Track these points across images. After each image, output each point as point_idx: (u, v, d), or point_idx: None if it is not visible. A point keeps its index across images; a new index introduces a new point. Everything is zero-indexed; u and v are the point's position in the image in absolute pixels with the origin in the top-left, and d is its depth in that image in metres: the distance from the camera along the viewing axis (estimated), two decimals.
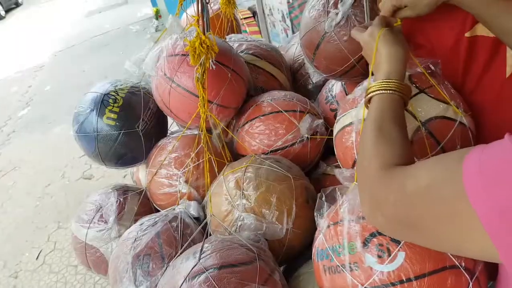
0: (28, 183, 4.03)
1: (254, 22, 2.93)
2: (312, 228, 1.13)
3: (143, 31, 7.65)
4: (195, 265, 0.87)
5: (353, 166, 0.96)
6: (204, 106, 1.15)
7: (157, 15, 7.20)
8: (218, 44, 1.18)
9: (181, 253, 1.00)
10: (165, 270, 1.01)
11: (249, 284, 0.84)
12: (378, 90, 0.74)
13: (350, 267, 0.72)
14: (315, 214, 0.88)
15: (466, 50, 0.89)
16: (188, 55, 1.22)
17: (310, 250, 1.11)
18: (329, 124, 1.37)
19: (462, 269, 0.66)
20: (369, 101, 0.76)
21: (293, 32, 2.53)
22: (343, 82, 1.38)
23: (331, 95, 1.41)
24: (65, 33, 8.74)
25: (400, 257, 0.67)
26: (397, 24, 0.85)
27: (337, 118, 1.06)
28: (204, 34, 1.08)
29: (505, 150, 0.44)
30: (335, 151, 1.08)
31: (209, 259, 0.89)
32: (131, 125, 1.35)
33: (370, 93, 0.75)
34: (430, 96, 0.86)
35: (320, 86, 1.58)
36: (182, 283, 0.84)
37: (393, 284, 0.67)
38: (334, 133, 1.06)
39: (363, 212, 0.69)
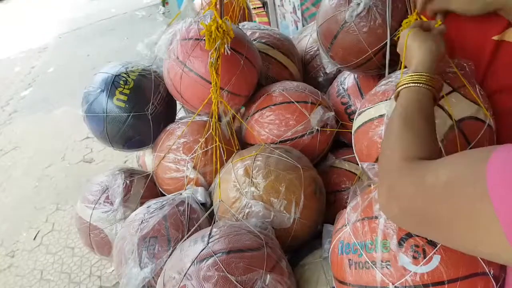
0: (27, 163, 4.02)
1: (264, 12, 2.91)
2: (318, 220, 1.14)
3: (149, 17, 7.60)
4: (204, 249, 0.87)
5: (376, 161, 0.96)
6: (216, 92, 1.14)
7: (164, 2, 7.14)
8: (233, 30, 1.17)
9: (188, 237, 1.00)
10: (171, 253, 1.01)
11: (256, 269, 0.84)
12: (407, 83, 0.74)
13: (381, 264, 0.72)
14: (348, 207, 0.86)
15: (492, 52, 0.89)
16: (201, 39, 1.21)
17: (314, 241, 1.12)
18: (339, 117, 1.36)
19: (491, 276, 0.66)
20: (397, 95, 0.77)
21: (303, 25, 2.51)
22: (356, 76, 1.38)
23: (343, 88, 1.40)
24: (71, 16, 8.66)
25: (436, 260, 0.68)
26: (437, 25, 0.86)
27: (360, 110, 1.05)
28: (221, 18, 1.07)
29: None
30: (353, 145, 1.07)
31: (218, 243, 0.89)
32: (140, 108, 1.34)
33: (399, 86, 0.76)
34: (463, 96, 0.86)
35: (331, 79, 1.57)
36: (190, 266, 0.84)
37: (425, 286, 0.67)
38: (356, 126, 1.05)
39: (379, 201, 0.69)
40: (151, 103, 1.35)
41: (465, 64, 0.90)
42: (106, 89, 1.32)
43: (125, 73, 1.35)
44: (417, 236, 0.70)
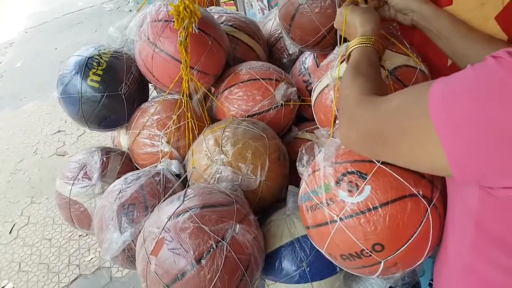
0: None
1: (232, 1, 2.99)
2: (282, 183, 1.25)
3: (117, 9, 7.51)
4: (180, 206, 0.97)
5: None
6: (186, 69, 1.23)
7: None
8: (201, 12, 1.26)
9: (164, 200, 1.09)
10: (148, 219, 1.10)
11: (227, 221, 0.95)
12: (357, 44, 0.88)
13: (327, 202, 0.84)
14: (297, 163, 0.99)
15: None
16: (170, 21, 1.29)
17: (280, 202, 1.24)
18: (301, 93, 1.48)
19: (420, 196, 0.78)
20: (348, 56, 0.89)
21: None
22: (315, 55, 1.49)
23: (304, 67, 1.51)
24: (37, 10, 8.42)
25: (367, 190, 0.79)
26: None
27: (314, 86, 1.17)
28: None
29: (465, 74, 0.53)
30: (315, 116, 1.19)
31: (192, 200, 0.98)
32: (114, 88, 1.41)
33: (350, 48, 0.89)
34: (393, 51, 1.00)
35: (293, 60, 1.69)
36: (168, 221, 0.94)
37: (362, 212, 0.79)
38: (313, 100, 1.17)
39: (339, 133, 0.80)
40: (124, 83, 1.41)
41: (390, 26, 1.04)
42: (80, 70, 1.38)
43: (97, 55, 1.41)
44: (349, 174, 0.82)
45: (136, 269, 1.02)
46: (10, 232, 3.13)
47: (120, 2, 7.76)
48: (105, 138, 3.85)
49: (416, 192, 0.78)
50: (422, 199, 0.78)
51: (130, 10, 7.05)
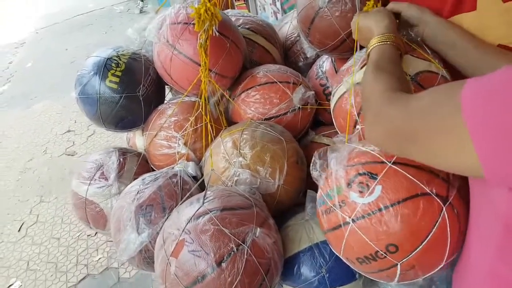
0: (9, 157, 4.00)
1: (244, 4, 3.00)
2: (300, 187, 1.25)
3: (127, 11, 7.57)
4: (200, 208, 0.96)
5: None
6: (205, 71, 1.23)
7: None
8: (220, 14, 1.26)
9: (183, 202, 1.09)
10: (166, 219, 1.10)
11: (248, 224, 0.94)
12: (375, 44, 0.87)
13: (339, 205, 0.84)
14: (311, 168, 0.99)
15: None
16: (190, 24, 1.30)
17: (298, 207, 1.23)
18: (318, 97, 1.47)
19: (433, 195, 0.77)
20: (368, 56, 0.89)
21: (282, 16, 2.61)
22: (333, 59, 1.49)
23: (322, 71, 1.51)
24: (48, 11, 8.51)
25: (378, 190, 0.79)
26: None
27: (333, 91, 1.17)
28: (209, 1, 1.15)
29: (500, 74, 0.51)
30: (334, 121, 1.19)
31: (212, 203, 0.98)
32: (132, 89, 1.41)
33: (370, 47, 0.89)
34: (414, 56, 0.99)
35: (310, 64, 1.68)
36: (188, 222, 0.93)
37: (373, 213, 0.78)
38: (332, 105, 1.17)
39: (365, 130, 0.78)
40: (142, 85, 1.42)
41: (410, 32, 1.02)
42: (98, 71, 1.38)
43: (116, 56, 1.42)
44: (360, 175, 0.82)
45: (154, 270, 1.02)
46: (19, 231, 3.14)
47: (130, 4, 7.82)
48: (115, 138, 3.88)
49: (429, 191, 0.77)
50: (436, 198, 0.77)
51: (140, 12, 7.10)
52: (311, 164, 1.00)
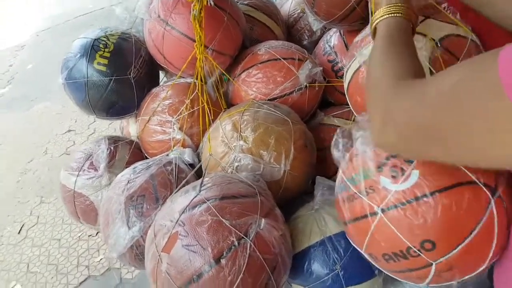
0: (9, 158, 3.93)
1: None
2: (308, 173, 1.12)
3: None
4: (196, 196, 0.84)
5: None
6: (201, 47, 1.11)
7: None
8: None
9: (177, 191, 0.96)
10: (159, 211, 0.98)
11: (251, 214, 0.82)
12: (383, 15, 0.71)
13: (366, 191, 0.71)
14: (331, 148, 0.85)
15: None
16: None
17: (306, 195, 1.10)
18: (326, 75, 1.34)
19: (481, 184, 0.64)
20: (375, 30, 0.73)
21: None
22: (342, 32, 1.36)
23: (329, 46, 1.38)
24: (48, 13, 8.46)
25: (414, 175, 0.66)
26: None
27: (346, 67, 1.05)
28: None
29: None
30: (348, 100, 1.06)
31: (210, 190, 0.86)
32: (122, 71, 1.30)
33: (375, 20, 0.73)
34: (438, 20, 0.86)
35: (314, 42, 1.56)
36: (182, 213, 0.81)
37: (408, 202, 0.66)
38: (346, 82, 1.04)
39: (373, 131, 0.64)
40: (133, 67, 1.30)
41: None
42: (85, 53, 1.27)
43: (104, 37, 1.31)
44: (393, 157, 0.69)
45: (145, 268, 0.90)
46: (19, 232, 3.07)
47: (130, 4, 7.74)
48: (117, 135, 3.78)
49: (475, 179, 0.65)
50: (484, 188, 0.64)
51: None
52: (332, 144, 0.86)
